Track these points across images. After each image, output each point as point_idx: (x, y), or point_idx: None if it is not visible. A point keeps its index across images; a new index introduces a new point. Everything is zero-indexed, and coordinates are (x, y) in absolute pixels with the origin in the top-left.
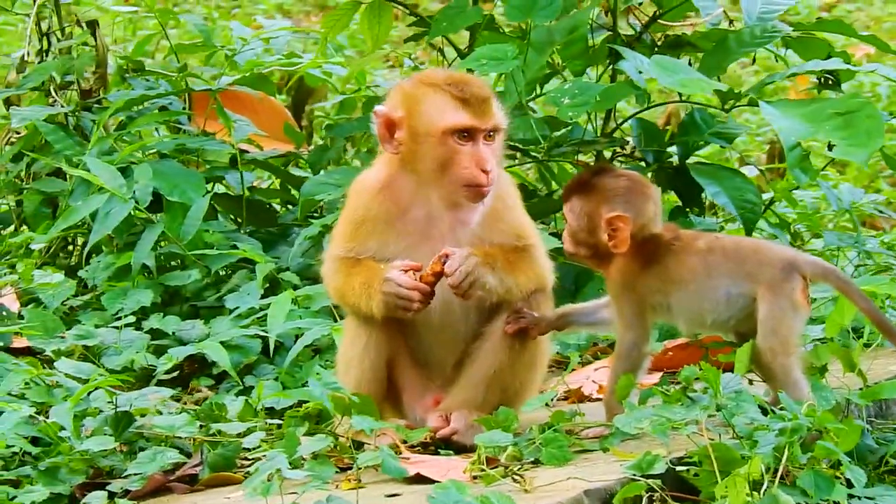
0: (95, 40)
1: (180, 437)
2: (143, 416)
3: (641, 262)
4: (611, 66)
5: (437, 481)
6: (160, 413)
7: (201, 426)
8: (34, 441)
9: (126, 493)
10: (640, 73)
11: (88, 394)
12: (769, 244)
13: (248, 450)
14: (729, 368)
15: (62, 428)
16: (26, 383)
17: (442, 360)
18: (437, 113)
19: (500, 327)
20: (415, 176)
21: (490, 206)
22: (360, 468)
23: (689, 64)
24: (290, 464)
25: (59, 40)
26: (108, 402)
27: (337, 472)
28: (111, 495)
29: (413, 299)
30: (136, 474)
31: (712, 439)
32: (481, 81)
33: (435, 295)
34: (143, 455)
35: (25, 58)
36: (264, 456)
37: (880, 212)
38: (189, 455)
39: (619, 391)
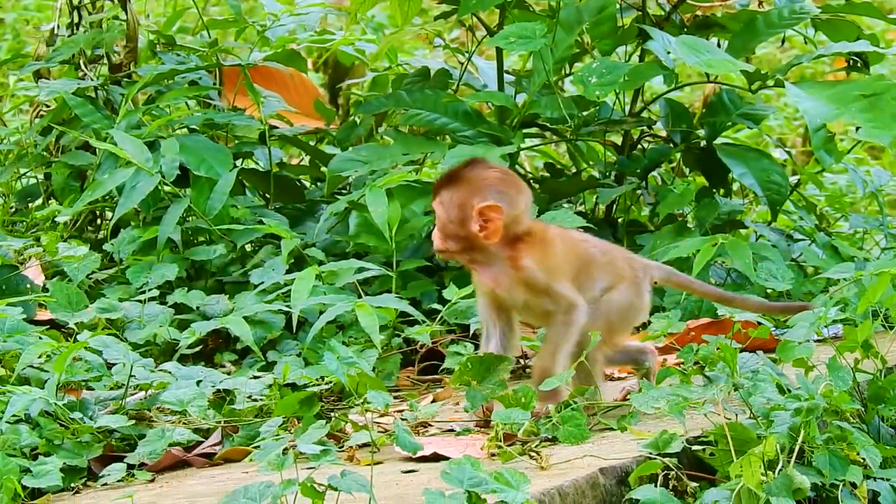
0: (126, 14)
1: (192, 414)
2: (164, 389)
3: (542, 246)
4: (640, 46)
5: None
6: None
7: (217, 403)
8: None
9: (143, 467)
10: (668, 53)
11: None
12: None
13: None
14: (751, 348)
15: (81, 404)
16: (47, 356)
17: None
18: None
19: None
20: None
21: None
22: (375, 444)
23: (718, 45)
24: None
25: (89, 13)
26: (131, 377)
27: (358, 447)
28: (129, 468)
29: None
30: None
31: (729, 419)
32: None
33: None
34: (152, 433)
35: (55, 31)
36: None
37: None
38: (204, 430)
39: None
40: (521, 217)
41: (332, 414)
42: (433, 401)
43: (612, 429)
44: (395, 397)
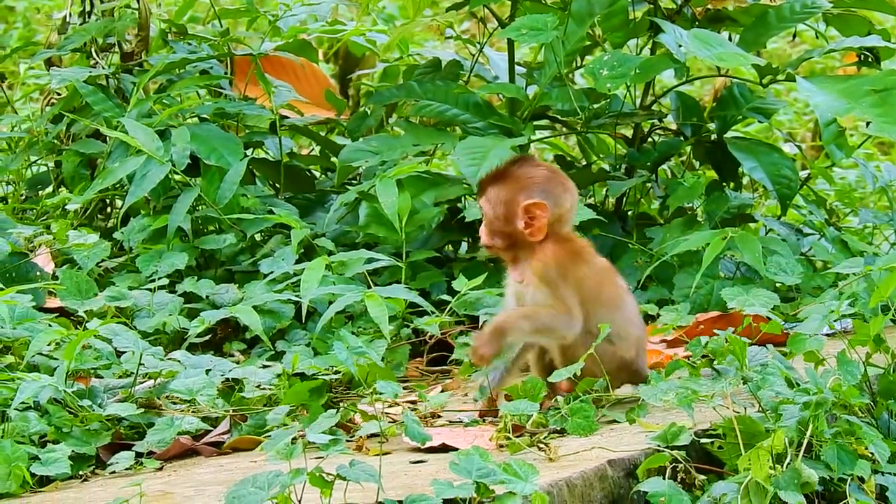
0: (138, 3)
1: (201, 402)
2: (173, 378)
3: (572, 255)
4: (651, 39)
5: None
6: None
7: (226, 392)
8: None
9: (151, 455)
10: (680, 46)
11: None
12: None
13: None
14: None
15: (90, 392)
16: (56, 344)
17: None
18: None
19: None
20: None
21: None
22: (384, 434)
23: (729, 38)
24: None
25: (101, 1)
26: (140, 365)
27: (367, 437)
28: (138, 456)
29: None
30: (156, 441)
31: (737, 412)
32: None
33: None
34: (160, 421)
35: (67, 19)
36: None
37: None
38: (212, 419)
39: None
40: (566, 216)
41: (341, 404)
42: (442, 391)
43: (620, 421)
44: (403, 388)
